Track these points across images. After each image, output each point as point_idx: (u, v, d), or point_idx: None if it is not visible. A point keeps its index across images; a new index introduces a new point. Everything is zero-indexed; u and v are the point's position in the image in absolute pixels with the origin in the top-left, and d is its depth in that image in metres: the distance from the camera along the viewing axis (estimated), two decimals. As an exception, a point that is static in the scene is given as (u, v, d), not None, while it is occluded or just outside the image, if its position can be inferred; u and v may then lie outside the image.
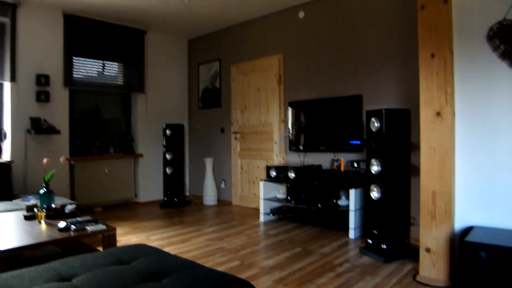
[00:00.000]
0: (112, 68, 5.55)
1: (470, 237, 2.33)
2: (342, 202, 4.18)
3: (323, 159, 4.69)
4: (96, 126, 5.52)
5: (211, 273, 1.87)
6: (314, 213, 4.37)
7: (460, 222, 2.77)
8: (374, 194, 3.33)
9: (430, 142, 2.74)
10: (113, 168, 5.49)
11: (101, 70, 5.41)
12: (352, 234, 3.93)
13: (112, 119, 5.81)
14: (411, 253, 3.31)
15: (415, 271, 2.97)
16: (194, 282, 1.75)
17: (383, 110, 3.20)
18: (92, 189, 5.27)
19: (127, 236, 4.01)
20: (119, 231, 4.21)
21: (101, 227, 2.75)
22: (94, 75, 5.35)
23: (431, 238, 2.78)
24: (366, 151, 3.46)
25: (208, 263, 3.19)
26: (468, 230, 2.61)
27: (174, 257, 2.14)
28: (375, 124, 3.29)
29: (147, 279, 1.81)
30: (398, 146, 3.30)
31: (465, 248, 2.29)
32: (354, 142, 3.97)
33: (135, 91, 5.81)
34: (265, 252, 3.51)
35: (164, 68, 6.18)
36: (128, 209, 5.48)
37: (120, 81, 5.65)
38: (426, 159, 2.76)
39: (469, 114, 2.68)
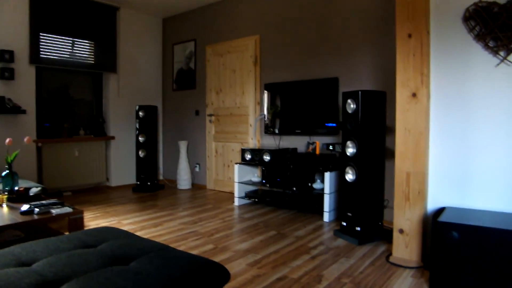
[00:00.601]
0: (83, 46, 5.31)
1: (443, 217, 2.34)
2: (317, 185, 4.17)
3: (298, 142, 4.65)
4: (65, 107, 5.29)
5: (182, 256, 1.80)
6: (289, 197, 4.34)
7: (432, 203, 2.78)
8: (349, 176, 3.32)
9: (405, 123, 2.72)
10: (83, 151, 5.30)
11: (70, 48, 5.17)
12: (326, 217, 3.93)
13: (82, 99, 5.58)
14: (385, 235, 3.34)
15: (389, 253, 2.99)
16: (164, 265, 1.67)
17: (360, 92, 3.16)
18: (61, 173, 5.08)
19: (97, 221, 3.88)
20: (89, 215, 4.08)
21: (67, 210, 2.63)
22: (63, 53, 5.11)
23: (404, 219, 2.79)
24: (341, 134, 3.43)
25: (181, 247, 3.11)
26: (440, 210, 2.63)
27: (144, 240, 2.05)
28: (351, 106, 3.25)
29: (114, 263, 1.72)
30: (373, 128, 3.28)
31: (437, 228, 2.29)
32: (330, 124, 3.94)
33: (107, 70, 5.59)
34: (239, 235, 3.46)
35: (137, 47, 5.97)
36: (99, 193, 5.32)
37: (91, 60, 5.42)
38: (401, 140, 2.75)
39: (444, 95, 2.67)
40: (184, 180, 5.65)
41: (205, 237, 3.39)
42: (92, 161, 5.40)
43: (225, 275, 1.74)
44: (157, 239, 3.28)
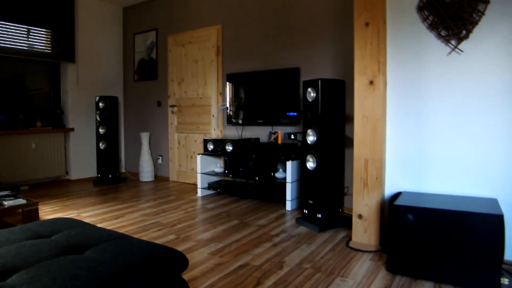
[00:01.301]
0: (38, 35, 5.09)
1: (398, 201, 2.42)
2: (279, 174, 4.20)
3: (261, 133, 4.67)
4: (20, 98, 5.05)
5: (140, 244, 1.77)
6: (252, 187, 4.36)
7: (389, 188, 2.87)
8: (310, 164, 3.36)
9: (363, 110, 2.78)
10: (40, 144, 5.10)
11: (26, 36, 4.93)
12: (289, 205, 3.97)
13: (39, 90, 5.35)
14: (345, 221, 3.41)
15: (349, 238, 3.06)
16: (120, 253, 1.64)
17: (319, 80, 3.20)
18: (17, 166, 4.86)
19: (56, 214, 3.75)
20: (47, 209, 3.94)
21: (20, 201, 2.52)
22: (17, 41, 4.87)
23: (363, 205, 2.86)
24: (302, 123, 3.46)
25: (142, 238, 3.06)
26: (397, 195, 2.71)
27: (101, 229, 2.00)
28: (311, 94, 3.29)
29: (68, 252, 1.66)
30: (333, 116, 3.33)
31: (393, 211, 2.37)
32: (291, 113, 3.97)
33: (65, 60, 5.38)
34: (201, 225, 3.45)
35: (96, 36, 5.78)
36: (58, 187, 5.14)
37: (47, 49, 5.20)
38: (359, 127, 2.81)
39: (400, 83, 2.75)
40: (146, 172, 5.55)
41: (167, 228, 3.35)
42: (50, 154, 5.21)
43: (183, 262, 1.72)
44: (119, 231, 3.21)
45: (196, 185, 5.26)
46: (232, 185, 4.55)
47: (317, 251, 2.81)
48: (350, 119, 3.74)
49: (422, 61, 2.66)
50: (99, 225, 3.36)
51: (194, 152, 5.30)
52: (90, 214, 3.77)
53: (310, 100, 3.30)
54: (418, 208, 2.30)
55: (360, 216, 2.88)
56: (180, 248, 2.84)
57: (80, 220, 2.14)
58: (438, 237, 2.25)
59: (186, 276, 2.36)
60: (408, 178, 2.79)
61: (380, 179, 2.78)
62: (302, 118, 4.02)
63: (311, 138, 3.33)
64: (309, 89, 3.30)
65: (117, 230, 3.25)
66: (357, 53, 2.76)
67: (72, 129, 5.43)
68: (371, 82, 2.73)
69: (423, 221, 2.28)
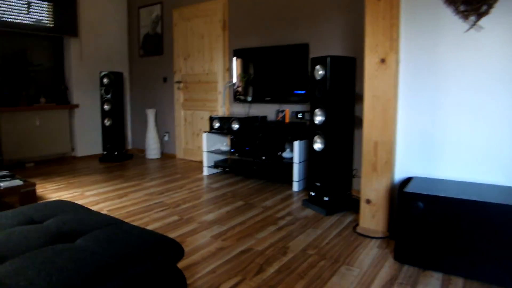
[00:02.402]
0: (40, 8, 4.95)
1: (409, 188, 2.30)
2: (286, 154, 4.09)
3: (268, 110, 4.54)
4: (23, 74, 4.98)
5: (133, 231, 1.69)
6: (258, 166, 4.27)
7: (400, 172, 2.74)
8: (318, 145, 3.24)
9: (373, 90, 2.63)
10: (45, 120, 5.04)
11: (26, 9, 4.81)
12: (296, 186, 3.88)
13: (42, 65, 5.26)
14: (353, 205, 3.31)
15: (356, 223, 2.97)
16: (111, 241, 1.56)
17: (328, 58, 3.04)
18: (22, 143, 4.83)
19: (59, 192, 3.71)
20: (51, 187, 3.91)
21: (16, 182, 2.47)
22: (18, 15, 4.75)
23: (371, 190, 2.75)
24: (310, 101, 3.32)
25: (144, 219, 3.01)
26: (407, 180, 2.59)
27: (95, 214, 1.93)
28: (319, 72, 3.13)
29: (59, 240, 1.59)
30: (342, 96, 3.19)
31: (403, 198, 2.25)
32: (299, 92, 3.83)
33: (67, 34, 5.25)
34: (205, 206, 3.38)
35: (100, 10, 5.62)
36: (64, 164, 5.12)
37: (50, 23, 5.07)
38: (369, 108, 2.67)
39: (413, 61, 2.58)
40: (153, 150, 5.49)
41: (171, 208, 3.29)
42: (55, 130, 5.16)
43: (179, 252, 1.64)
44: (121, 211, 3.16)
45: (202, 163, 5.20)
46: (238, 164, 4.46)
47: (323, 236, 2.72)
48: (360, 98, 3.58)
49: (438, 38, 2.48)
50: (101, 205, 3.33)
51: (200, 130, 5.20)
52: (94, 192, 3.73)
53: (318, 78, 3.14)
54: (428, 195, 2.18)
55: (368, 201, 2.78)
56: (183, 230, 2.78)
57: (76, 203, 2.07)
58: (449, 227, 2.13)
59: (186, 261, 2.30)
60: (419, 162, 2.65)
61: (390, 163, 2.65)
62: (309, 96, 3.87)
63: (318, 118, 3.19)
64: (317, 67, 3.14)
65: (119, 210, 3.20)
66: (368, 28, 2.59)
67: (77, 106, 5.36)
68: (383, 60, 2.56)
69: (434, 210, 2.17)
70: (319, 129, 3.19)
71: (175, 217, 3.07)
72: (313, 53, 4.06)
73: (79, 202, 3.42)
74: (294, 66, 4.15)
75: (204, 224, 2.93)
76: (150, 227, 2.82)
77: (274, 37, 4.40)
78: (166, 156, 5.72)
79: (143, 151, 5.87)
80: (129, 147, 6.18)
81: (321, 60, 3.10)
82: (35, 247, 1.50)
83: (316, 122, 3.21)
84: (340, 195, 3.32)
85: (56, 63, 5.37)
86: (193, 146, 5.33)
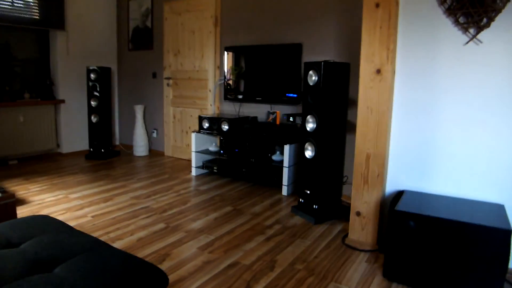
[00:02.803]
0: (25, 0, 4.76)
1: (400, 205, 2.25)
2: (276, 157, 4.02)
3: (259, 110, 4.45)
4: (7, 68, 4.80)
5: (116, 259, 1.61)
6: (247, 168, 4.20)
7: (391, 185, 2.70)
8: (308, 152, 3.18)
9: (367, 101, 2.56)
10: (29, 116, 4.88)
11: (10, 1, 4.61)
12: (285, 191, 3.82)
13: (26, 59, 5.07)
14: (342, 212, 3.27)
15: (345, 233, 2.93)
16: (92, 271, 1.49)
17: (322, 63, 2.96)
18: (5, 140, 4.67)
19: (43, 195, 3.60)
20: (35, 188, 3.80)
21: (-5, 194, 2.37)
22: (1, 6, 4.55)
23: (361, 202, 2.70)
24: (302, 106, 3.25)
25: (130, 226, 2.93)
26: (399, 194, 2.54)
27: (77, 234, 1.84)
28: (312, 78, 3.05)
29: (36, 268, 1.51)
30: (335, 102, 3.11)
31: (394, 216, 2.21)
32: (291, 95, 3.75)
33: (54, 27, 5.06)
34: (193, 212, 3.31)
35: (88, 1, 5.42)
36: (48, 162, 4.98)
37: (35, 15, 4.88)
38: (363, 120, 2.60)
39: (409, 73, 2.51)
40: (140, 147, 5.38)
41: (157, 214, 3.21)
42: (40, 127, 5.00)
43: (163, 281, 1.57)
44: (105, 217, 3.08)
45: (191, 161, 5.11)
46: (227, 165, 4.38)
47: (311, 248, 2.67)
48: (353, 103, 3.51)
49: (436, 50, 2.41)
50: (86, 209, 3.24)
51: (189, 128, 5.10)
52: (79, 195, 3.63)
53: (311, 84, 3.06)
54: (420, 215, 2.13)
55: (358, 213, 2.73)
56: (169, 240, 2.71)
57: (57, 221, 1.97)
58: (439, 247, 2.09)
59: (172, 276, 2.24)
60: (411, 176, 2.61)
61: (381, 176, 2.60)
62: (301, 99, 3.79)
63: (310, 125, 3.12)
64: (311, 72, 3.06)
65: (105, 216, 3.12)
66: (364, 37, 2.51)
67: (63, 101, 5.20)
68: (378, 71, 2.49)
69: (425, 229, 2.12)
70: (311, 136, 3.12)
71: (161, 225, 3.00)
72: (306, 54, 3.97)
73: (63, 206, 3.32)
74: (287, 66, 4.06)
75: (191, 233, 2.86)
76: (135, 237, 2.74)
77: (267, 36, 4.29)
78: (154, 154, 5.61)
79: (130, 147, 5.76)
80: (117, 142, 6.05)
81: (314, 65, 3.02)
82: (10, 279, 1.42)
83: (308, 129, 3.13)
84: (330, 202, 3.27)
85: (41, 57, 5.19)
86: (182, 144, 5.23)
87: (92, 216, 3.11)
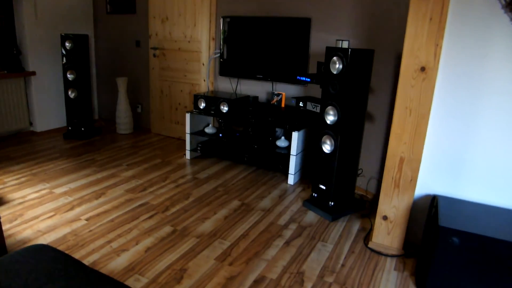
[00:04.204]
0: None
1: (443, 220, 2.07)
2: (281, 142, 3.75)
3: (259, 89, 4.12)
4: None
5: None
6: (250, 154, 3.91)
7: (420, 189, 2.51)
8: (327, 147, 2.93)
9: (406, 101, 2.30)
10: (-5, 88, 4.30)
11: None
12: (291, 179, 3.59)
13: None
14: (356, 206, 3.12)
15: (365, 232, 2.78)
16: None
17: (349, 50, 2.64)
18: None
19: (23, 190, 3.17)
20: (11, 180, 3.36)
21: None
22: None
23: (390, 207, 2.51)
24: (322, 95, 2.95)
25: (132, 231, 2.62)
26: (433, 201, 2.37)
27: (80, 273, 1.53)
28: (336, 65, 2.74)
29: None
30: (358, 93, 2.84)
31: (438, 233, 2.03)
32: (302, 78, 3.42)
33: (17, -15, 4.39)
34: (199, 208, 3.02)
35: (56, -46, 4.71)
36: (22, 143, 4.45)
37: (-7, -31, 4.18)
38: (399, 122, 2.35)
39: (453, 71, 2.25)
40: (124, 124, 4.92)
41: (160, 213, 2.91)
42: (9, 103, 4.42)
43: None
44: (103, 221, 2.75)
45: (182, 140, 4.76)
46: (226, 148, 4.08)
47: (335, 255, 2.49)
48: (371, 90, 3.25)
49: (487, 48, 2.14)
50: (77, 210, 2.89)
51: (179, 104, 4.69)
52: (65, 189, 3.24)
53: (335, 72, 2.75)
54: (467, 233, 1.97)
55: (385, 218, 2.55)
56: (181, 249, 2.44)
57: (61, 255, 1.63)
58: (483, 264, 1.96)
59: (196, 303, 2.00)
60: (442, 181, 2.42)
61: (414, 181, 2.40)
62: (315, 83, 3.48)
63: (331, 117, 2.85)
64: (335, 59, 2.74)
65: (101, 218, 2.78)
66: (410, 29, 2.20)
67: (34, 73, 4.59)
68: (423, 69, 2.22)
69: (471, 247, 1.97)
70: (331, 130, 2.86)
71: (168, 228, 2.71)
72: (315, 30, 3.62)
73: (50, 205, 2.94)
74: (292, 42, 3.71)
75: (204, 239, 2.59)
76: (142, 247, 2.45)
77: (271, 6, 3.87)
78: (139, 131, 5.17)
79: (113, 123, 5.30)
80: (96, 117, 5.54)
81: (339, 51, 2.70)
82: None
83: (328, 121, 2.86)
84: (345, 197, 3.09)
85: (6, 23, 4.50)
86: (171, 121, 4.84)
87: (87, 219, 2.77)
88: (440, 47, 2.16)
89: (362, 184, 3.49)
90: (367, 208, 3.21)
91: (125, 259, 2.31)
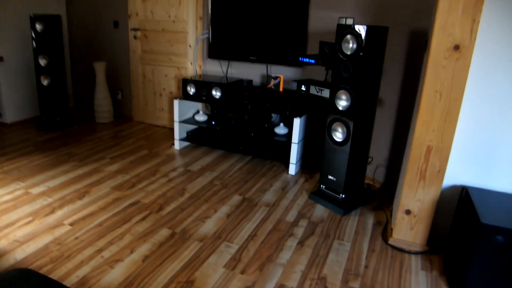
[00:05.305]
0: None
1: (484, 216, 1.86)
2: (280, 130, 3.47)
3: (252, 72, 3.80)
4: None
5: None
6: (246, 143, 3.61)
7: (447, 180, 2.30)
8: (337, 134, 2.67)
9: (437, 84, 2.05)
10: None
11: None
12: (292, 169, 3.33)
13: None
14: (366, 197, 2.91)
15: (380, 226, 2.56)
16: None
17: (366, 27, 2.36)
18: None
19: (-8, 188, 2.81)
20: (-21, 179, 2.97)
21: None
22: None
23: (414, 200, 2.28)
24: (332, 79, 2.67)
25: (125, 237, 2.30)
26: (463, 193, 2.16)
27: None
28: (350, 45, 2.46)
29: None
30: (372, 75, 2.58)
31: (480, 230, 1.82)
32: (305, 59, 3.12)
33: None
34: (197, 206, 2.72)
35: None
36: (-12, 133, 4.01)
37: None
38: (427, 107, 2.11)
39: (490, 51, 2.00)
40: (104, 112, 4.49)
41: (153, 213, 2.59)
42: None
43: None
44: (89, 224, 2.41)
45: (167, 128, 4.41)
46: (219, 137, 3.76)
47: (355, 255, 2.26)
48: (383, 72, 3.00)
49: (529, 21, 1.91)
50: (59, 212, 2.54)
51: (164, 90, 4.32)
52: (42, 189, 2.86)
53: (348, 52, 2.47)
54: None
55: (408, 212, 2.32)
56: (184, 257, 2.14)
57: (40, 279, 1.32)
58: (541, 270, 1.76)
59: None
60: (472, 170, 2.21)
61: (442, 172, 2.18)
62: (321, 65, 3.19)
63: (343, 102, 2.58)
64: (348, 37, 2.45)
65: (87, 222, 2.44)
66: (443, 3, 1.93)
67: (1, 59, 4.10)
68: (457, 47, 1.96)
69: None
70: (343, 116, 2.59)
71: (166, 231, 2.40)
72: (315, 8, 3.32)
73: (26, 209, 2.57)
74: (289, 20, 3.39)
75: (207, 242, 2.31)
76: (138, 255, 2.14)
77: (264, -18, 3.53)
78: (121, 119, 4.76)
79: (91, 112, 4.87)
80: (72, 105, 5.09)
81: (352, 30, 2.41)
82: None
83: (340, 107, 2.59)
84: (356, 188, 2.85)
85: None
86: (154, 108, 4.46)
87: (71, 224, 2.42)
88: (478, 23, 1.90)
89: (369, 172, 3.26)
90: (377, 199, 2.99)
91: (121, 272, 2.00)
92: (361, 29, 2.37)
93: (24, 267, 1.39)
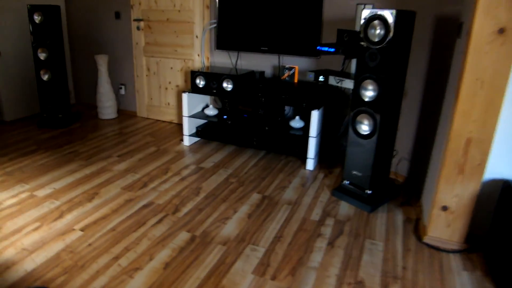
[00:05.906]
0: None
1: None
2: (295, 123, 3.31)
3: (263, 63, 3.63)
4: None
5: None
6: (259, 138, 3.44)
7: (487, 173, 2.16)
8: (363, 127, 2.51)
9: (478, 71, 1.90)
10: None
11: None
12: (310, 165, 3.17)
13: None
14: (391, 191, 2.77)
15: (411, 223, 2.42)
16: None
17: (395, 12, 2.20)
18: None
19: (-4, 192, 2.63)
20: (-20, 182, 2.78)
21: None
22: None
23: (452, 195, 2.14)
24: (357, 69, 2.51)
25: (142, 242, 2.14)
26: (506, 185, 2.02)
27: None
28: (377, 31, 2.29)
29: None
30: (399, 64, 2.42)
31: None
32: (324, 48, 2.94)
33: None
34: (214, 206, 2.56)
35: None
36: (-13, 132, 3.82)
37: None
38: (467, 96, 1.95)
39: (537, 31, 1.85)
40: (107, 108, 4.31)
41: (170, 215, 2.43)
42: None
43: None
44: (102, 229, 2.25)
45: (174, 124, 4.23)
46: (230, 132, 3.59)
47: (390, 255, 2.11)
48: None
49: None
50: (68, 216, 2.37)
51: (169, 83, 4.13)
52: (48, 192, 2.68)
53: (376, 39, 2.31)
54: None
55: (445, 208, 2.18)
56: (208, 262, 1.99)
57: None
58: None
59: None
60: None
61: (483, 165, 2.03)
62: (341, 54, 3.02)
63: (370, 93, 2.42)
64: (375, 23, 2.29)
65: (99, 228, 2.27)
66: (488, -19, 1.77)
67: (-2, 53, 3.91)
68: (502, 31, 1.80)
69: None
70: (370, 107, 2.43)
71: (184, 234, 2.24)
72: (332, -7, 3.15)
73: (33, 213, 2.40)
74: (303, 7, 3.22)
75: (231, 245, 2.15)
76: (158, 263, 1.98)
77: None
78: (124, 115, 4.57)
79: (93, 107, 4.67)
80: (73, 101, 4.88)
81: (381, 15, 2.24)
82: None
83: (366, 98, 2.43)
84: (381, 184, 2.71)
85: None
86: (160, 103, 4.28)
87: (82, 229, 2.26)
88: (527, 2, 1.75)
89: (392, 166, 3.11)
90: (402, 194, 2.85)
91: (141, 282, 1.84)
92: (389, 14, 2.21)
93: (41, 286, 1.23)
